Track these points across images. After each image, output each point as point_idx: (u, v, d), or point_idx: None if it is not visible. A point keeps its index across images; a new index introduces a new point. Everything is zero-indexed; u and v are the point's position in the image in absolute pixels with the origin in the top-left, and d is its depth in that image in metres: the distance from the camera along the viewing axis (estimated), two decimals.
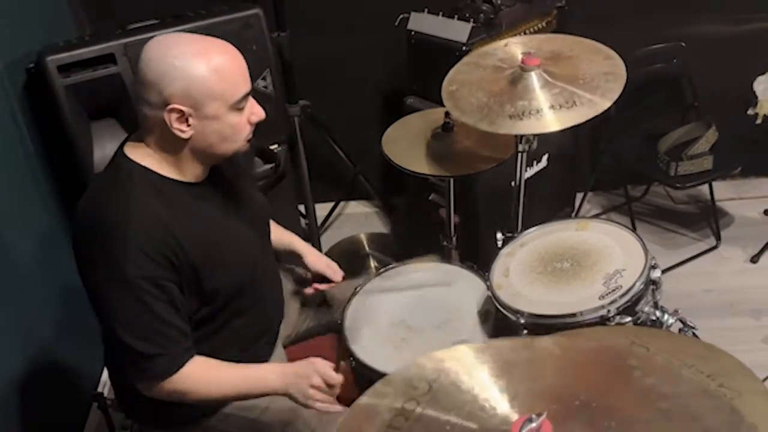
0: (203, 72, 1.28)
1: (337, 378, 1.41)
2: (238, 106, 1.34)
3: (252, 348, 1.55)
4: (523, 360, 0.99)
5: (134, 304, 1.29)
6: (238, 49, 1.37)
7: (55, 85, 1.95)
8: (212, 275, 1.38)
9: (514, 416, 0.87)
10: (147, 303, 1.29)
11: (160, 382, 1.35)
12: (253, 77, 2.19)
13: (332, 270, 1.76)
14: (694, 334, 1.55)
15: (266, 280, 1.59)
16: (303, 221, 2.89)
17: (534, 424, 0.79)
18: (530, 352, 1.00)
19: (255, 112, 1.39)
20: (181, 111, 1.29)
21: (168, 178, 1.37)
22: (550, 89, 1.63)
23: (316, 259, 1.77)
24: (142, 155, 1.36)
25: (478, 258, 1.96)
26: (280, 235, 1.75)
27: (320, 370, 1.40)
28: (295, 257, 1.77)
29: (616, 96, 1.58)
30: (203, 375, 1.39)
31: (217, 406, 1.52)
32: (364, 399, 0.95)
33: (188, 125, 1.31)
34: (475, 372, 0.96)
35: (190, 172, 1.39)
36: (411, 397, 0.93)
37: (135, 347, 1.31)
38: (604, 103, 1.57)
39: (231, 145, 1.38)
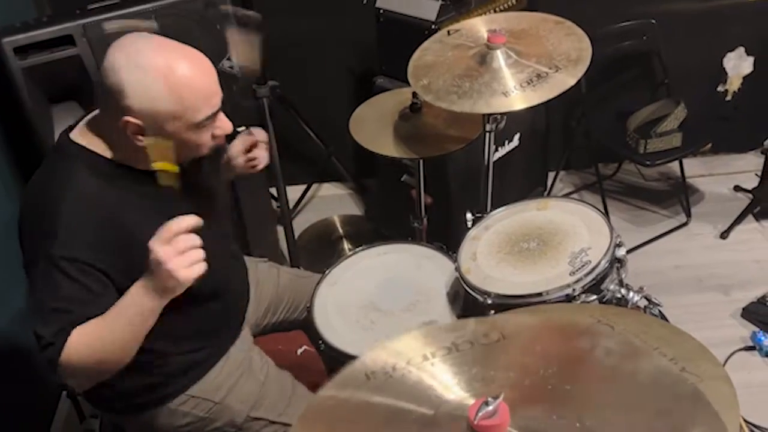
0: (164, 93, 1.22)
1: (185, 222, 1.18)
2: (199, 126, 1.29)
3: (214, 336, 1.53)
4: (490, 343, 0.97)
5: (47, 283, 1.22)
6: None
7: (12, 67, 1.90)
8: None
9: (472, 400, 0.87)
10: (59, 284, 1.21)
11: (61, 363, 1.20)
12: (219, 58, 2.17)
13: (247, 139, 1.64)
14: (660, 311, 1.56)
15: (227, 268, 1.56)
16: (275, 204, 2.86)
17: (491, 407, 0.79)
18: (496, 333, 0.98)
19: (220, 126, 1.33)
20: (137, 124, 1.25)
21: (119, 164, 1.34)
22: (516, 67, 1.62)
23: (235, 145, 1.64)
24: (94, 142, 1.32)
25: (450, 238, 1.95)
26: None
27: (156, 240, 1.17)
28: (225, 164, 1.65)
29: (581, 73, 1.57)
30: (89, 333, 1.21)
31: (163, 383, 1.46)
32: (325, 391, 0.94)
33: (144, 135, 1.27)
34: (436, 355, 0.95)
35: (144, 163, 1.33)
36: (369, 386, 0.92)
37: (38, 331, 1.20)
38: (569, 80, 1.56)
39: (189, 155, 1.34)
